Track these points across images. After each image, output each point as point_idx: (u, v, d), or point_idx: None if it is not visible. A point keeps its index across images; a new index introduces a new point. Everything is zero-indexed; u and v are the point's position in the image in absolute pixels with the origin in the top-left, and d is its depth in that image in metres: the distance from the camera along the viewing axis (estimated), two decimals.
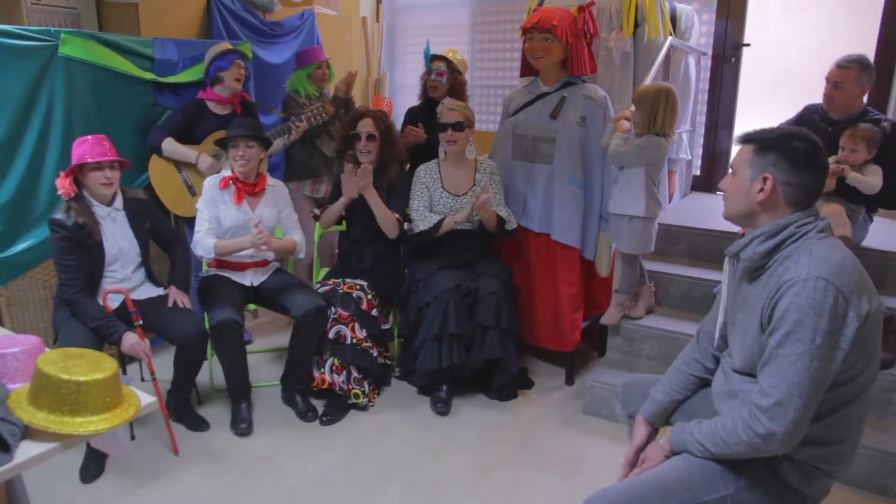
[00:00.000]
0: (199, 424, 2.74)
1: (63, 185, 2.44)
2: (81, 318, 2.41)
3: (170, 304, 2.64)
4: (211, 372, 3.08)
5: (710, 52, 4.05)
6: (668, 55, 3.33)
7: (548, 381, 3.23)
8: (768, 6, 3.97)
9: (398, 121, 3.75)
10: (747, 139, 1.57)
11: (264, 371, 3.27)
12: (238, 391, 2.78)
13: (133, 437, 2.67)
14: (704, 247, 3.30)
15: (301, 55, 3.72)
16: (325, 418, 2.81)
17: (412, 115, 3.67)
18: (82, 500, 2.30)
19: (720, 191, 1.70)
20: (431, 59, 3.52)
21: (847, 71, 2.67)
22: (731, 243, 1.60)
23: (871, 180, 2.60)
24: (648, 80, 3.02)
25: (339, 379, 2.84)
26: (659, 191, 2.88)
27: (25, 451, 1.44)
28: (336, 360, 2.84)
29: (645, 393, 1.88)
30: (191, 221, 3.29)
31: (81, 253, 2.46)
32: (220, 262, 2.89)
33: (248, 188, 2.85)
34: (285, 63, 3.95)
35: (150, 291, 2.70)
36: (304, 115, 3.35)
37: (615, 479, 1.75)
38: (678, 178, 3.90)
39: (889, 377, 2.50)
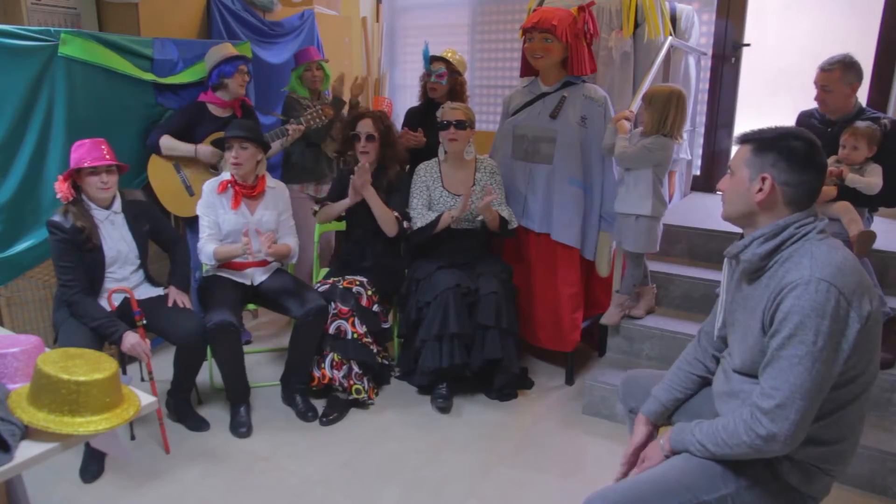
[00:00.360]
0: (199, 424, 2.74)
1: (61, 189, 2.44)
2: (82, 318, 2.41)
3: (170, 303, 2.65)
4: (211, 372, 3.08)
5: (710, 52, 4.05)
6: (668, 55, 3.32)
7: (548, 381, 3.23)
8: (768, 6, 3.97)
9: (398, 121, 3.74)
10: (745, 139, 1.57)
11: (264, 371, 3.27)
12: (236, 394, 2.77)
13: (133, 437, 2.67)
14: (704, 247, 3.30)
15: (296, 56, 3.73)
16: (325, 418, 2.80)
17: (412, 116, 3.67)
18: (82, 500, 2.30)
19: (720, 191, 1.70)
20: (431, 60, 3.51)
21: (830, 73, 2.68)
22: (731, 243, 1.60)
23: (871, 180, 2.60)
24: (648, 80, 3.02)
25: (339, 374, 2.84)
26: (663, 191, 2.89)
27: (25, 451, 1.44)
28: (336, 355, 2.84)
29: (646, 388, 1.88)
30: (190, 221, 3.29)
31: (81, 255, 2.46)
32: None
33: (246, 191, 2.84)
34: (285, 63, 3.95)
35: (149, 291, 2.70)
36: (303, 118, 3.35)
37: (614, 479, 1.75)
38: (678, 178, 3.89)
39: (889, 377, 2.50)
